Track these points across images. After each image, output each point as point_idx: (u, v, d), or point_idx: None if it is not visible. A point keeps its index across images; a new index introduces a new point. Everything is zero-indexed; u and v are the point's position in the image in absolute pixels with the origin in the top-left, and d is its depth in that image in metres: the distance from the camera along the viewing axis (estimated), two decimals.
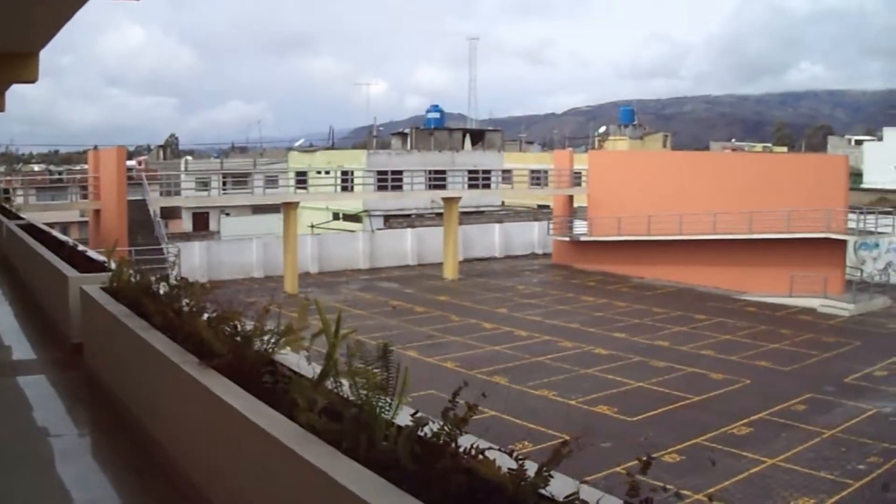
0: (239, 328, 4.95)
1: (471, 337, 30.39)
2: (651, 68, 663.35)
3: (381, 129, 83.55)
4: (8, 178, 54.09)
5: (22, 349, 9.20)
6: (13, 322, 10.63)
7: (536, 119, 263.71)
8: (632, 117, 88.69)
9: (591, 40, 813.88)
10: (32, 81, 14.42)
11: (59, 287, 8.93)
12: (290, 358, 4.57)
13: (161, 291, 6.50)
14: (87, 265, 9.30)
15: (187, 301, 5.92)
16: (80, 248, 10.81)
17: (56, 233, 13.48)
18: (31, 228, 13.84)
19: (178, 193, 49.45)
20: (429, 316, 34.38)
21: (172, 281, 6.55)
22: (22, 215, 18.02)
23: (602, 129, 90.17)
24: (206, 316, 5.30)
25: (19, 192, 42.02)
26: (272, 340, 4.66)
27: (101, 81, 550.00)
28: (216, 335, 4.89)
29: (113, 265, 8.54)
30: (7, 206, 19.02)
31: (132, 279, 7.06)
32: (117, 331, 6.27)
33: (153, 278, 6.89)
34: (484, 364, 26.12)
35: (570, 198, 48.96)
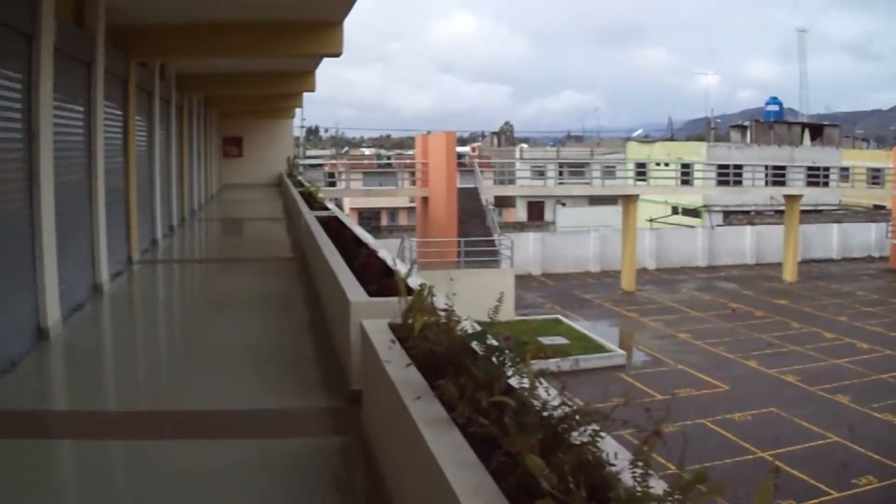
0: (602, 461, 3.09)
1: (811, 347, 28.48)
2: None
3: (718, 121, 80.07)
4: (333, 161, 56.84)
5: (292, 390, 7.05)
6: (295, 349, 8.61)
7: (862, 115, 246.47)
8: None
9: None
10: (337, 54, 14.26)
11: (342, 311, 6.98)
12: None
13: (476, 348, 4.36)
14: (382, 280, 7.16)
15: (514, 372, 3.92)
16: (381, 253, 8.80)
17: (358, 229, 12.19)
18: (331, 222, 12.26)
19: (512, 182, 48.87)
20: (768, 321, 32.51)
21: (492, 340, 4.21)
22: (328, 205, 16.74)
23: None
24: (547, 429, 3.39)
25: (343, 175, 43.62)
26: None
27: (433, 68, 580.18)
28: (556, 473, 3.00)
29: (412, 282, 6.33)
30: (314, 193, 18.42)
31: (431, 321, 4.98)
32: (395, 410, 4.24)
33: (464, 326, 4.78)
34: (826, 379, 24.22)
35: None
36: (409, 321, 5.21)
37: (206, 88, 23.90)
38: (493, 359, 4.02)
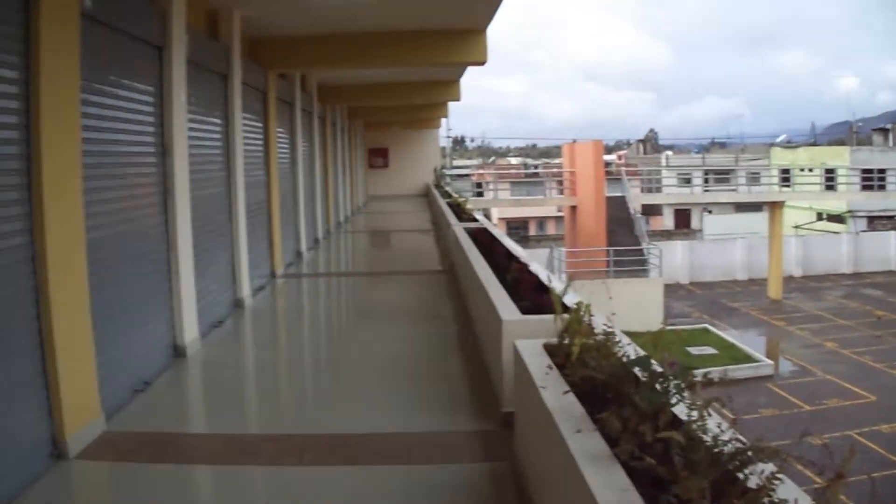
0: None
1: None
2: None
3: (860, 125, 75.80)
4: (480, 171, 56.68)
5: (440, 411, 6.60)
6: (443, 367, 8.08)
7: None
8: None
9: None
10: (481, 63, 13.97)
11: (493, 329, 6.57)
12: None
13: (638, 374, 3.97)
14: (535, 296, 6.72)
15: (683, 404, 3.57)
16: (533, 267, 8.29)
17: (508, 241, 11.55)
18: (481, 235, 11.84)
19: (658, 190, 48.45)
20: None
21: (655, 365, 3.86)
22: (477, 216, 16.24)
23: None
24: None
25: (491, 185, 43.44)
26: None
27: (577, 76, 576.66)
28: None
29: (568, 299, 6.02)
30: (462, 204, 17.98)
31: (590, 344, 4.60)
32: (552, 441, 3.85)
33: (626, 350, 4.42)
34: None
35: None
36: (566, 341, 4.90)
37: (349, 99, 23.89)
38: (657, 386, 3.69)
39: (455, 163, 73.52)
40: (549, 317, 5.56)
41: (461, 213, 16.75)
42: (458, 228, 13.23)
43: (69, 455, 5.57)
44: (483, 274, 8.21)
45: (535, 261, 9.14)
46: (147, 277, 7.71)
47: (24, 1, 5.30)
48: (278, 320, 11.35)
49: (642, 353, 4.38)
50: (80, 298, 5.93)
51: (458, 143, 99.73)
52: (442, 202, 21.08)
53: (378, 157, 40.06)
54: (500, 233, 13.53)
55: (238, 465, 5.70)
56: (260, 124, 13.41)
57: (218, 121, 10.64)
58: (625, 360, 4.20)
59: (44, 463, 5.40)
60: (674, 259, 40.07)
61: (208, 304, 9.55)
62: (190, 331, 8.47)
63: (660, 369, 3.78)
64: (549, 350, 5.00)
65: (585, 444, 3.52)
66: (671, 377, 3.68)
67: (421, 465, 5.56)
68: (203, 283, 9.33)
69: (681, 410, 3.55)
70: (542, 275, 7.66)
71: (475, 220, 15.55)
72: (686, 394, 3.60)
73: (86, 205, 6.14)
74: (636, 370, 4.00)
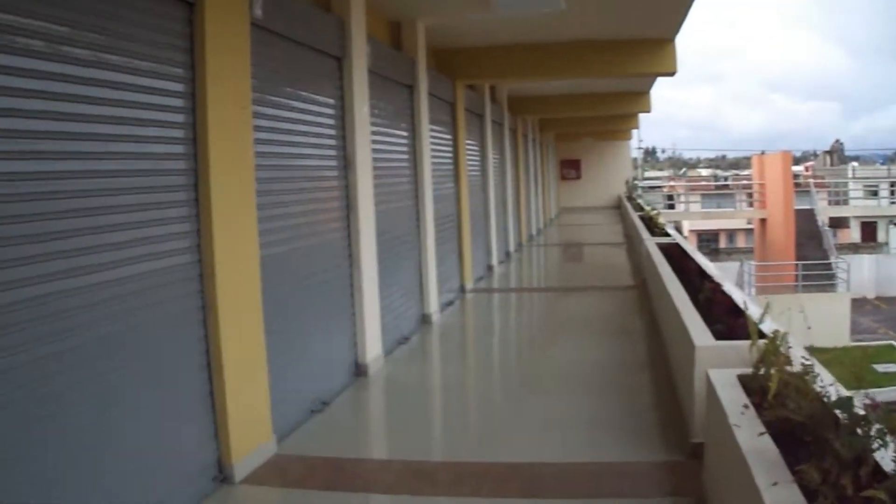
0: None
1: None
2: None
3: None
4: (671, 183, 54.71)
5: (626, 439, 5.96)
6: (631, 390, 7.37)
7: None
8: None
9: None
10: (671, 73, 13.49)
11: (685, 353, 6.04)
12: None
13: (840, 416, 3.51)
14: (729, 319, 6.15)
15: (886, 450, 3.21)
16: (726, 287, 7.63)
17: (701, 258, 10.56)
18: (673, 251, 11.14)
19: (845, 202, 46.41)
20: None
21: (857, 408, 3.44)
22: (669, 230, 15.56)
23: None
24: None
25: (682, 198, 41.91)
26: None
27: (763, 87, 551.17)
28: None
29: (766, 325, 5.46)
30: (654, 218, 16.90)
31: (788, 380, 4.16)
32: (745, 488, 3.44)
33: (826, 389, 3.94)
34: None
35: None
36: (761, 372, 4.55)
37: (540, 111, 23.31)
38: (859, 430, 3.33)
39: (646, 174, 71.48)
40: (744, 344, 5.14)
41: (653, 226, 15.94)
42: (650, 243, 12.54)
43: (234, 479, 5.28)
44: (675, 293, 7.64)
45: (726, 274, 8.60)
46: (328, 294, 7.42)
47: (187, 9, 5.03)
48: (466, 337, 10.88)
49: (844, 391, 4.02)
50: (253, 316, 5.66)
51: (649, 154, 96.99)
52: (634, 215, 20.37)
53: (570, 168, 39.53)
54: (692, 248, 12.69)
55: (412, 496, 5.26)
56: (449, 136, 13.05)
57: (404, 133, 10.32)
58: (825, 399, 3.82)
59: (208, 487, 5.14)
60: (860, 273, 36.98)
61: (393, 321, 9.19)
62: (372, 349, 8.12)
63: (862, 412, 3.41)
64: (744, 382, 4.60)
65: (781, 497, 3.14)
66: (873, 421, 3.31)
67: (603, 499, 5.03)
68: (388, 298, 8.98)
69: (884, 457, 3.20)
70: (737, 296, 7.14)
71: (667, 234, 14.82)
72: (889, 439, 3.24)
73: (260, 220, 5.85)
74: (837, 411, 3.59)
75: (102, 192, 4.32)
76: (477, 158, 15.59)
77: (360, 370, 7.93)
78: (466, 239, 13.51)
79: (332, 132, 7.66)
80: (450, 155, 13.11)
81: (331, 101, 7.64)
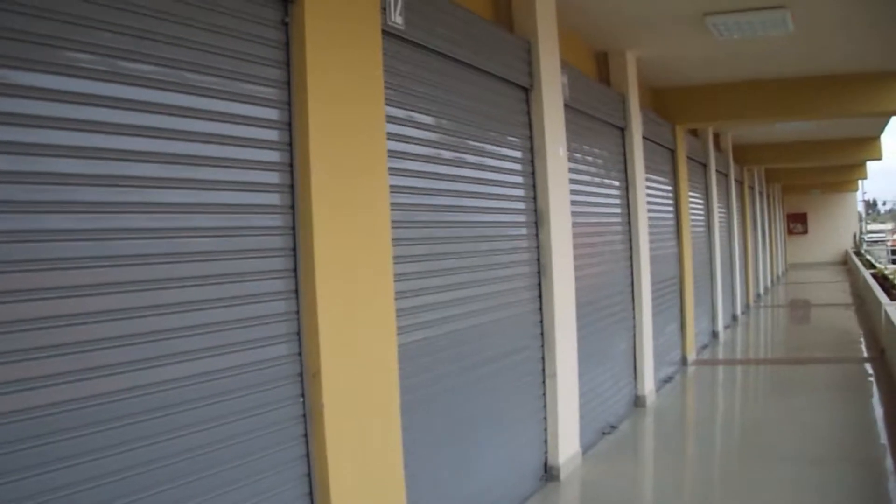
0: None
1: None
2: None
3: None
4: (895, 237, 48.84)
5: None
6: None
7: None
8: None
9: None
10: (878, 159, 15.27)
11: None
12: None
13: None
14: None
15: None
16: None
17: None
18: None
19: None
20: None
21: None
22: None
23: None
24: None
25: None
26: None
27: None
28: None
29: None
30: (890, 277, 13.92)
31: None
32: None
33: None
34: None
35: None
36: None
37: (765, 160, 20.37)
38: None
39: (868, 227, 64.55)
40: None
41: (889, 286, 12.90)
42: (892, 309, 10.36)
43: None
44: None
45: None
46: (513, 382, 5.47)
47: (282, 9, 3.37)
48: (686, 424, 8.54)
49: None
50: (383, 423, 3.81)
51: (870, 206, 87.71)
52: (864, 272, 17.61)
53: (796, 222, 35.71)
54: None
55: None
56: (668, 187, 10.80)
57: (615, 182, 8.24)
58: None
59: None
60: None
61: (597, 407, 7.06)
62: (567, 448, 6.07)
63: None
64: None
65: None
66: None
67: None
68: (590, 382, 6.89)
69: None
70: None
71: None
72: None
73: (401, 295, 4.04)
74: None
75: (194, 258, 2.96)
76: (702, 212, 13.14)
77: (550, 474, 5.88)
78: (689, 303, 11.12)
79: (518, 180, 5.79)
80: (670, 208, 10.84)
81: (515, 140, 5.77)
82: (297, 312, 3.45)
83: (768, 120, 13.14)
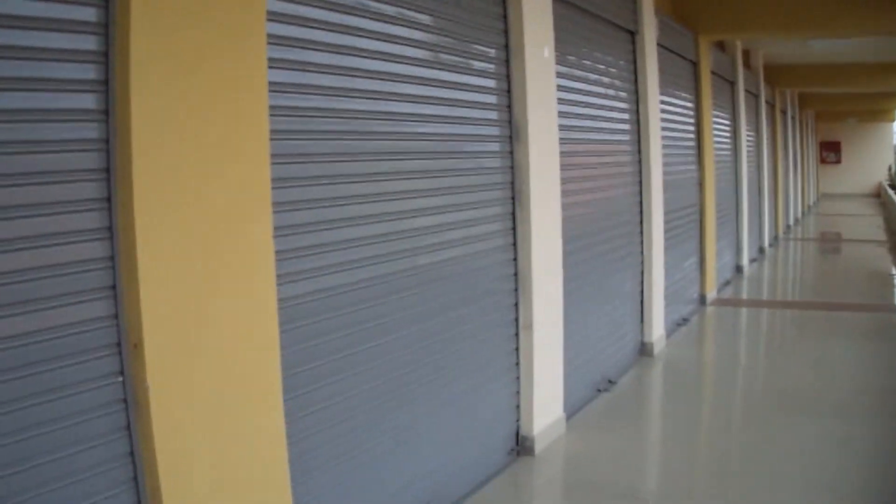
0: None
1: None
2: None
3: None
4: None
5: None
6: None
7: None
8: None
9: None
10: None
11: None
12: None
13: None
14: None
15: None
16: None
17: None
18: None
19: None
20: None
21: None
22: None
23: None
24: None
25: None
26: None
27: None
28: None
29: None
30: None
31: None
32: None
33: None
34: None
35: None
36: None
37: (798, 83, 18.51)
38: None
39: None
40: None
41: None
42: None
43: None
44: None
45: None
46: (475, 337, 4.24)
47: None
48: (697, 378, 7.18)
49: None
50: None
51: None
52: None
53: (830, 151, 33.89)
54: None
55: None
56: (690, 104, 9.29)
57: (622, 93, 6.78)
58: None
59: None
60: None
61: (589, 360, 5.79)
62: (545, 414, 4.84)
63: None
64: None
65: None
66: None
67: None
68: (584, 331, 5.61)
69: None
70: None
71: None
72: None
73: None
74: None
75: None
76: (727, 135, 11.57)
77: (522, 446, 4.66)
78: (710, 235, 9.70)
79: (489, 83, 4.43)
80: (691, 128, 9.35)
81: (484, 35, 4.38)
82: (112, 258, 2.28)
83: (804, 34, 11.42)
